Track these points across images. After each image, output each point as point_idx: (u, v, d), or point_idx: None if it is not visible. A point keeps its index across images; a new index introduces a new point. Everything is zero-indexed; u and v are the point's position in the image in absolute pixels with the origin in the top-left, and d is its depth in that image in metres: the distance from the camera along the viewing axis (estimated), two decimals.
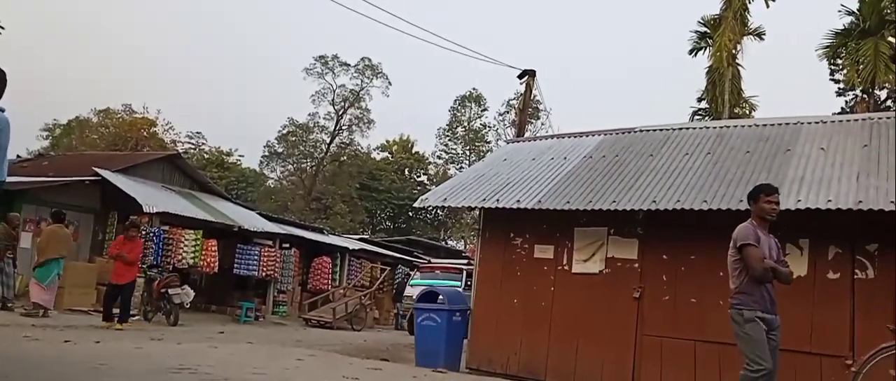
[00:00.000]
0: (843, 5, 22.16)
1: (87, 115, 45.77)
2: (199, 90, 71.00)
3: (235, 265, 18.66)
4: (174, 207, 17.57)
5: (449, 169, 50.81)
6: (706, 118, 24.49)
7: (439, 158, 53.77)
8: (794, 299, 7.77)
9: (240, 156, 50.11)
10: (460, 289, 14.92)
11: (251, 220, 20.32)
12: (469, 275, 15.57)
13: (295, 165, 48.49)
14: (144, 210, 16.28)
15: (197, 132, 46.23)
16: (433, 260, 19.59)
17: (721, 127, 10.49)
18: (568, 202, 8.91)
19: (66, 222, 13.91)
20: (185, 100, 66.37)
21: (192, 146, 45.46)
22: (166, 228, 16.67)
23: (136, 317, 13.78)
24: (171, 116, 57.19)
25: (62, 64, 65.87)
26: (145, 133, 39.73)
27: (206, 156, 46.19)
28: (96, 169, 17.59)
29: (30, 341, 8.13)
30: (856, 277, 7.54)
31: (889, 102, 26.40)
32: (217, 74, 71.21)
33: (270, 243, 19.57)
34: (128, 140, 38.17)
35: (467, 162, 47.64)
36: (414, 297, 15.56)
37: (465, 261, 19.57)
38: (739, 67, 24.70)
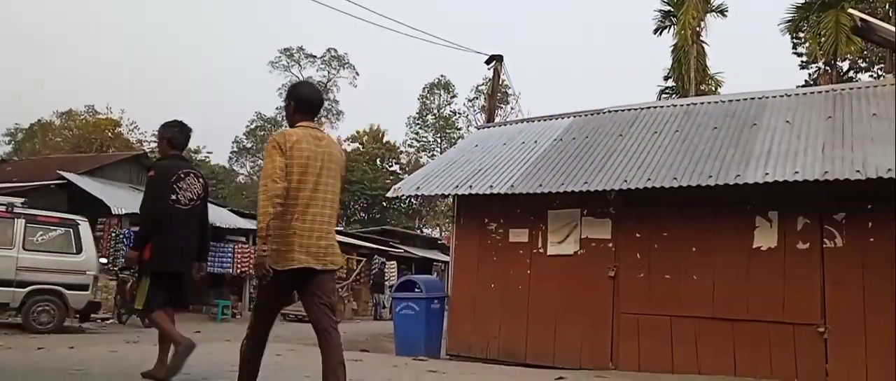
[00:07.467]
0: None
1: (50, 117, 44.99)
2: (164, 88, 69.97)
3: (209, 264, 18.43)
4: None
5: (421, 157, 50.75)
6: (673, 96, 24.70)
7: (411, 146, 53.72)
8: (766, 269, 7.91)
9: (208, 153, 49.49)
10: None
11: (223, 217, 20.11)
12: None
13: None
14: (112, 212, 16.03)
15: None
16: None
17: (688, 104, 10.58)
18: (540, 186, 8.94)
19: None
20: (149, 98, 65.31)
21: None
22: (136, 229, 16.43)
23: (111, 320, 13.60)
24: (136, 115, 56.34)
25: (23, 67, 64.43)
26: (110, 134, 39.02)
27: None
28: (62, 172, 17.30)
29: (1, 350, 7.97)
30: (825, 246, 7.67)
31: (852, 73, 26.87)
32: (181, 71, 70.24)
33: (244, 239, 19.40)
34: (92, 142, 37.47)
35: (439, 149, 47.65)
36: None
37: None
38: (704, 45, 24.93)
